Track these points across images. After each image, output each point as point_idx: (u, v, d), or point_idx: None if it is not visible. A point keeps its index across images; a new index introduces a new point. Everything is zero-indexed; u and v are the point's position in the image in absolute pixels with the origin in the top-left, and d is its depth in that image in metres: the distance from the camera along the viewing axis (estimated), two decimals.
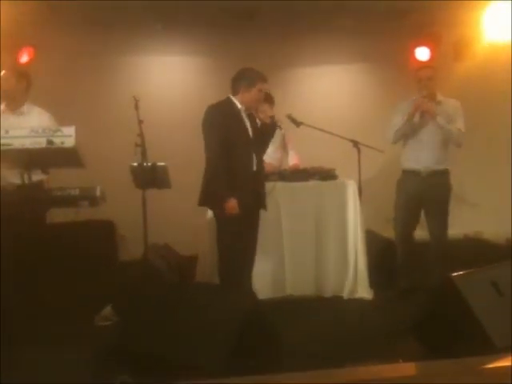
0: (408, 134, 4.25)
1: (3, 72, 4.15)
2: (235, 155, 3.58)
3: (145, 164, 3.55)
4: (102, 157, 4.79)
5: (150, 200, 4.35)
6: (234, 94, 3.69)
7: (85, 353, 3.13)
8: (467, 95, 5.95)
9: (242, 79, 3.66)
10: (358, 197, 4.44)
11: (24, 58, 5.33)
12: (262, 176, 3.84)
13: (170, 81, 5.87)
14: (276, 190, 4.31)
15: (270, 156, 4.92)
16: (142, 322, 3.01)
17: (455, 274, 2.84)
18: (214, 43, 5.63)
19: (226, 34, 5.59)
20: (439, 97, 4.26)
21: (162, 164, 3.81)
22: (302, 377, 2.39)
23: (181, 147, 5.21)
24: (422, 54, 6.15)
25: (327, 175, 4.51)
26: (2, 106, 4.13)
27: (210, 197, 3.63)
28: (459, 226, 6.00)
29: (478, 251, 5.68)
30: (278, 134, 4.96)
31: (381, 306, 4.15)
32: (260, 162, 3.78)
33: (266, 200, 3.86)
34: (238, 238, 3.58)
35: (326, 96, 6.14)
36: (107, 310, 3.83)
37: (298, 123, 4.38)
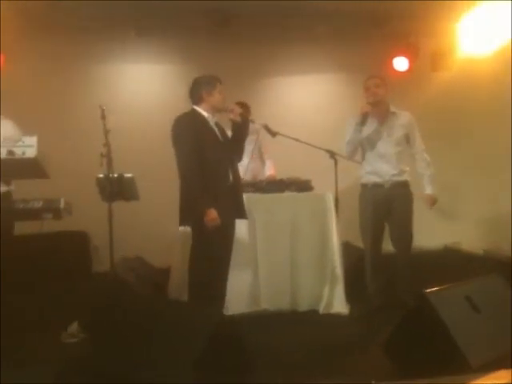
0: (358, 144, 4.19)
1: None
2: (210, 167, 3.48)
3: (111, 175, 3.43)
4: (69, 167, 4.67)
5: (123, 211, 4.25)
6: (197, 103, 3.62)
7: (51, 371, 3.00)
8: (445, 106, 6.00)
9: (202, 85, 3.60)
10: (333, 208, 4.38)
11: None
12: (239, 185, 3.75)
13: (140, 89, 5.79)
14: (251, 202, 4.22)
15: (247, 167, 4.87)
16: (106, 339, 2.90)
17: (429, 290, 2.77)
18: (187, 51, 5.56)
19: (200, 41, 5.53)
20: (392, 108, 4.20)
21: (129, 175, 3.69)
22: None
23: (152, 158, 5.12)
24: (400, 64, 6.15)
25: (303, 186, 4.43)
26: None
27: (189, 215, 3.50)
28: (440, 237, 6.04)
29: (457, 262, 5.71)
30: (254, 144, 4.94)
31: (355, 321, 4.06)
32: (236, 170, 3.70)
33: (245, 210, 3.76)
34: (214, 251, 3.48)
35: (302, 106, 6.11)
36: (74, 327, 3.68)
37: (273, 133, 4.33)
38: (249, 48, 5.72)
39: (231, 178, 3.61)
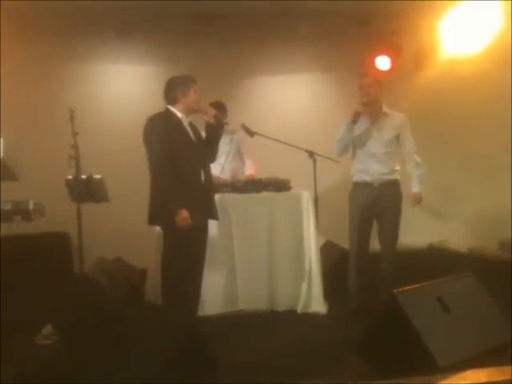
0: (349, 142, 4.18)
1: None
2: (182, 168, 3.44)
3: (79, 177, 3.39)
4: (43, 169, 4.62)
5: (108, 212, 4.21)
6: (172, 104, 3.58)
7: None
8: (428, 104, 5.98)
9: (176, 86, 3.55)
10: (311, 208, 4.35)
11: None
12: (210, 186, 3.71)
13: (120, 90, 5.77)
14: (227, 202, 4.19)
15: (223, 165, 4.84)
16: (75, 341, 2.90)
17: (398, 290, 2.75)
18: (169, 51, 5.53)
19: (182, 41, 5.50)
20: (385, 109, 4.20)
21: (98, 177, 3.65)
22: None
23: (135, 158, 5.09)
24: (383, 63, 6.12)
25: (281, 186, 4.40)
26: None
27: (159, 214, 3.46)
28: (427, 235, 6.03)
29: (441, 260, 5.70)
30: (234, 143, 4.92)
31: (334, 321, 4.05)
32: (208, 171, 3.66)
33: (216, 210, 3.74)
34: (186, 252, 3.44)
35: (285, 105, 6.09)
36: (48, 329, 3.65)
37: (251, 133, 4.31)
38: (231, 48, 5.70)
39: (203, 178, 3.58)
